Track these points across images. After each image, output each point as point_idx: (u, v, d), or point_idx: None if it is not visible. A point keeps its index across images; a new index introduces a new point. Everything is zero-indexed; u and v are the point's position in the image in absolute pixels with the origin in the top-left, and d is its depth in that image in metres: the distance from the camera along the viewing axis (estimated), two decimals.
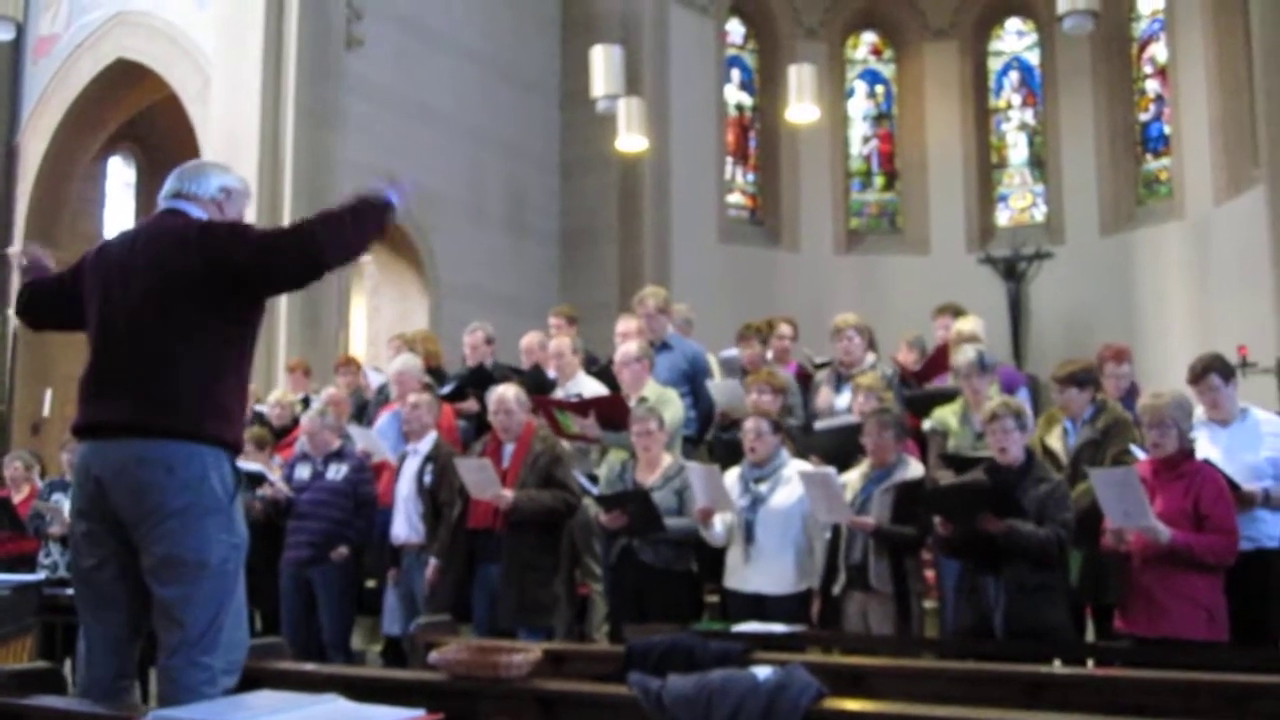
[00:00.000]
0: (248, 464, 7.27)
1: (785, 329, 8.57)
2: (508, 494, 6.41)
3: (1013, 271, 17.73)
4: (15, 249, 14.18)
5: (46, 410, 13.49)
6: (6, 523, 8.76)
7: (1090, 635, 6.25)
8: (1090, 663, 5.57)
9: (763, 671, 3.25)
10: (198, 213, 3.73)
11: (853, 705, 3.25)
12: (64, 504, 7.89)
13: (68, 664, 6.56)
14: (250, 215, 11.20)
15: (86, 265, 3.75)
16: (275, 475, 7.56)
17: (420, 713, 2.86)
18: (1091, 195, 17.70)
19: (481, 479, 6.45)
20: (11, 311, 3.94)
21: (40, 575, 6.76)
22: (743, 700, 3.14)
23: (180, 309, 3.51)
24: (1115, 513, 5.19)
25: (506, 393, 6.82)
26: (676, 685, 3.27)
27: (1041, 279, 17.72)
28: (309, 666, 4.30)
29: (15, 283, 13.92)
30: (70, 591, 6.38)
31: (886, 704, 3.36)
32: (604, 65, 12.53)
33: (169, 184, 3.80)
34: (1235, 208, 15.28)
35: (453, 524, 6.76)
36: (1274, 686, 3.66)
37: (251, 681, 3.55)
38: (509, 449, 6.74)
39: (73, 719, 3.12)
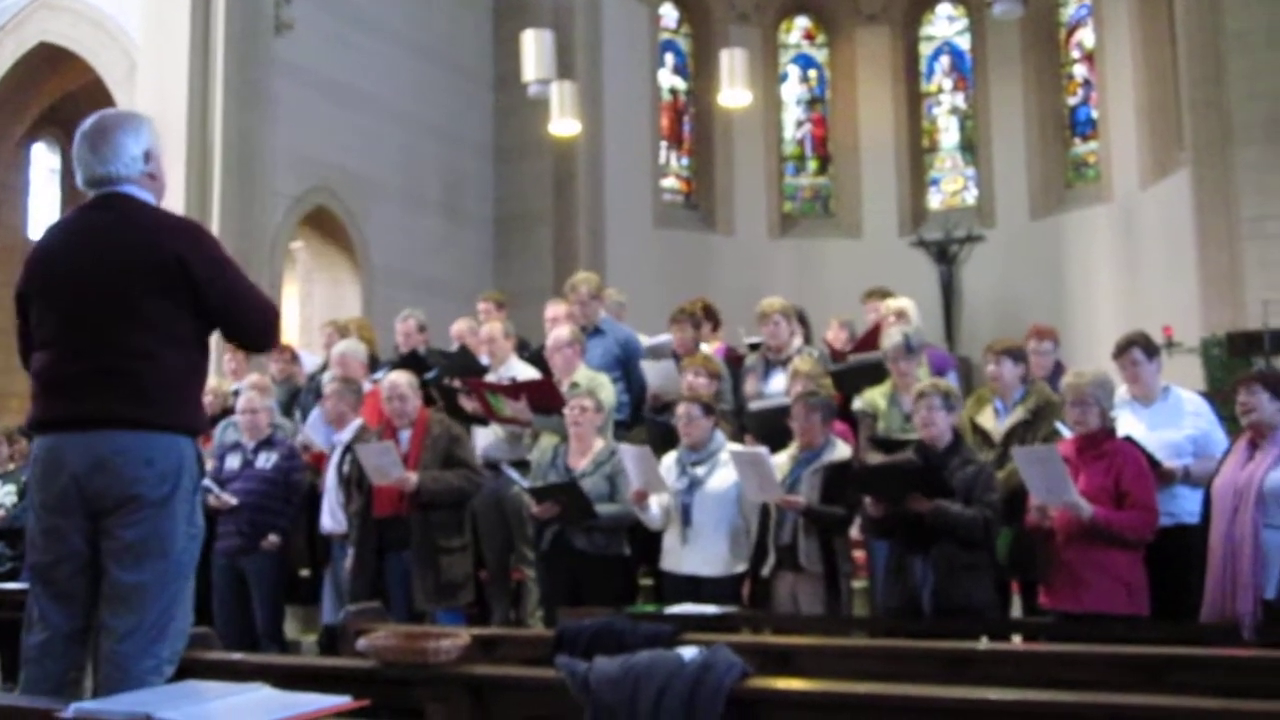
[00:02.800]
0: None
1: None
2: (412, 476, 6.40)
3: (944, 254, 17.92)
4: None
5: None
6: None
7: (1017, 611, 6.37)
8: (1017, 639, 5.68)
9: (688, 652, 3.28)
10: (142, 195, 3.65)
11: (777, 684, 3.29)
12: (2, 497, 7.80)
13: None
14: (178, 204, 11.13)
15: (32, 270, 3.66)
16: (210, 477, 7.44)
17: (345, 699, 2.87)
18: (1021, 179, 17.92)
19: (384, 463, 6.42)
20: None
21: None
22: (668, 680, 3.17)
23: (150, 303, 3.50)
24: (1039, 489, 5.30)
25: (399, 379, 6.81)
26: (603, 667, 3.29)
27: (973, 262, 17.92)
28: (238, 656, 4.29)
29: None
30: (13, 586, 6.31)
31: (809, 682, 3.41)
32: (535, 50, 12.46)
33: (87, 165, 3.65)
34: (1161, 191, 15.52)
35: (359, 513, 6.72)
36: (1188, 658, 3.76)
37: (181, 672, 3.53)
38: (405, 435, 6.73)
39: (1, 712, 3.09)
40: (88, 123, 3.69)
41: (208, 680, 3.27)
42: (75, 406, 3.48)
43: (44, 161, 17.11)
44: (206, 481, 7.16)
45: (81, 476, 3.44)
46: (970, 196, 18.78)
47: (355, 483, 6.71)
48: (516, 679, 3.54)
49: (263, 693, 2.95)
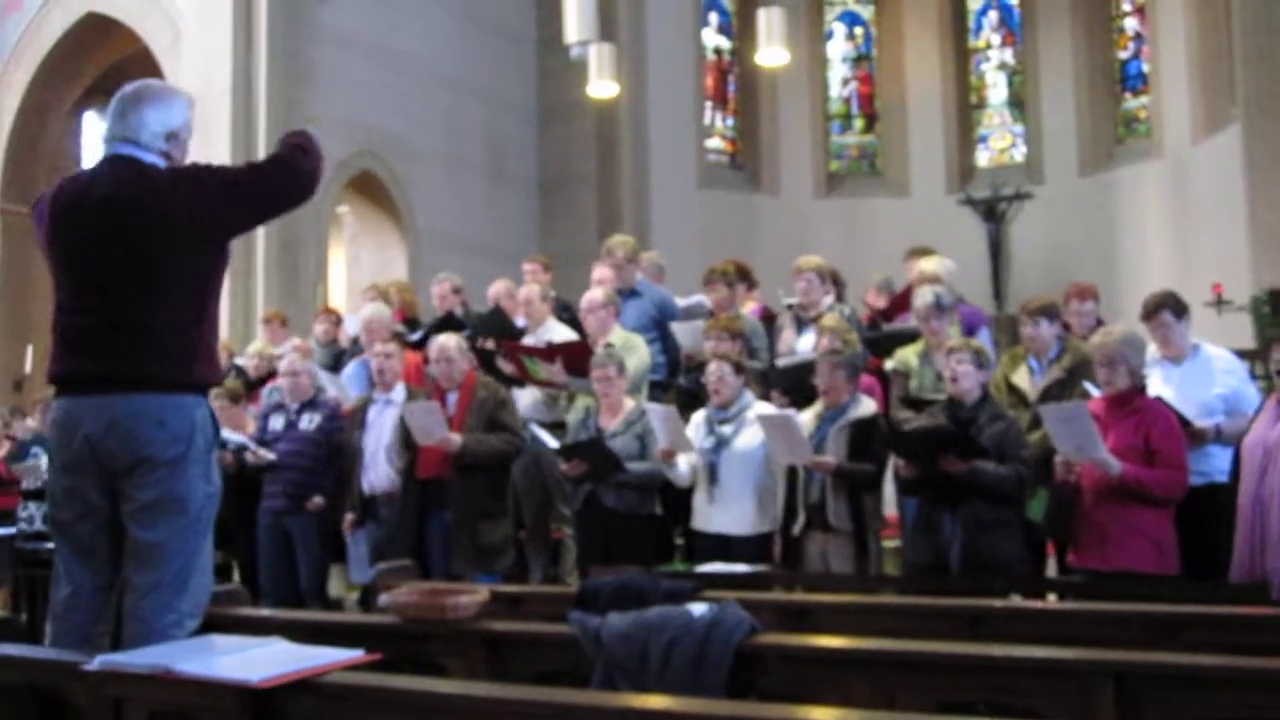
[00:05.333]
0: (232, 435, 7.33)
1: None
2: (455, 437, 6.48)
3: (992, 212, 17.78)
4: None
5: (28, 367, 13.53)
6: None
7: (1053, 571, 6.36)
8: (1052, 597, 5.67)
9: (698, 608, 3.33)
10: (151, 160, 3.73)
11: (784, 639, 3.33)
12: (42, 459, 7.95)
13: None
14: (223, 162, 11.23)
15: (45, 229, 3.74)
16: (250, 434, 7.59)
17: (358, 653, 2.94)
18: (1070, 135, 17.71)
19: (428, 422, 6.51)
20: None
21: (14, 530, 6.82)
22: (677, 636, 3.22)
23: (158, 261, 3.56)
24: (1067, 446, 5.28)
25: (447, 341, 6.87)
26: (614, 623, 3.35)
27: (1021, 219, 17.78)
28: (266, 612, 4.39)
29: None
30: (47, 545, 6.50)
31: (817, 637, 3.45)
32: (577, 10, 12.42)
33: (110, 122, 3.75)
34: (1213, 146, 15.29)
35: (403, 474, 6.81)
36: (1204, 616, 3.75)
37: (207, 626, 3.63)
38: (452, 397, 6.80)
39: (22, 664, 3.20)
40: (129, 87, 3.80)
41: (231, 635, 3.37)
42: (86, 364, 3.57)
43: (96, 129, 17.33)
44: (244, 439, 7.30)
45: (95, 439, 3.53)
46: (1019, 153, 18.59)
47: (404, 441, 6.79)
48: (532, 634, 3.60)
49: (278, 646, 3.04)
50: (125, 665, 2.91)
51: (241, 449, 7.31)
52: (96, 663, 2.96)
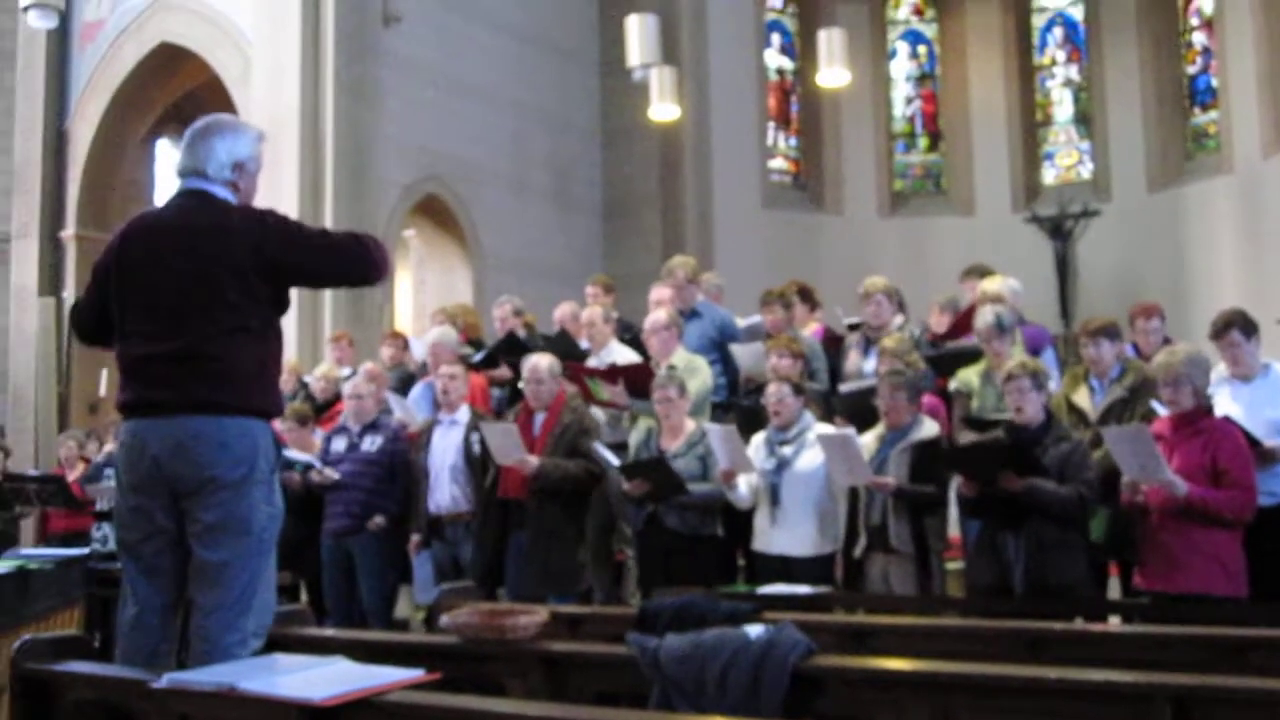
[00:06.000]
0: (298, 455, 7.45)
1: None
2: (532, 459, 6.54)
3: (1059, 230, 17.61)
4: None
5: (103, 390, 13.79)
6: (61, 500, 9.04)
7: (1116, 593, 6.29)
8: (1115, 620, 5.61)
9: (755, 630, 3.34)
10: (221, 194, 3.83)
11: (841, 661, 3.34)
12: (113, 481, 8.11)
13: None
14: (292, 196, 11.46)
15: (112, 258, 3.85)
16: (316, 456, 7.70)
17: (418, 672, 2.99)
18: (1138, 151, 17.49)
19: (506, 443, 6.58)
20: (68, 313, 4.09)
21: (87, 550, 6.97)
22: (734, 657, 3.24)
23: (225, 293, 3.67)
24: (1131, 468, 5.23)
25: (540, 362, 6.93)
26: (671, 644, 3.37)
27: (1089, 237, 17.58)
28: (327, 631, 4.46)
29: (71, 267, 14.31)
30: (119, 566, 6.63)
31: (873, 659, 3.45)
32: (639, 34, 12.57)
33: (181, 157, 3.88)
34: None
35: (485, 493, 6.89)
36: (1270, 639, 3.70)
37: (271, 646, 3.71)
38: (539, 418, 6.86)
39: (95, 681, 3.28)
40: (200, 121, 3.93)
41: (294, 654, 3.43)
42: (155, 391, 3.67)
43: (168, 157, 17.65)
44: (310, 458, 7.41)
45: (162, 460, 3.63)
46: (1085, 170, 18.40)
47: (477, 463, 6.87)
48: (590, 655, 3.63)
49: (341, 666, 3.09)
50: (191, 683, 2.98)
51: (307, 468, 7.43)
52: (164, 681, 3.03)
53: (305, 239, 3.80)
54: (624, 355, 7.64)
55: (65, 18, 13.54)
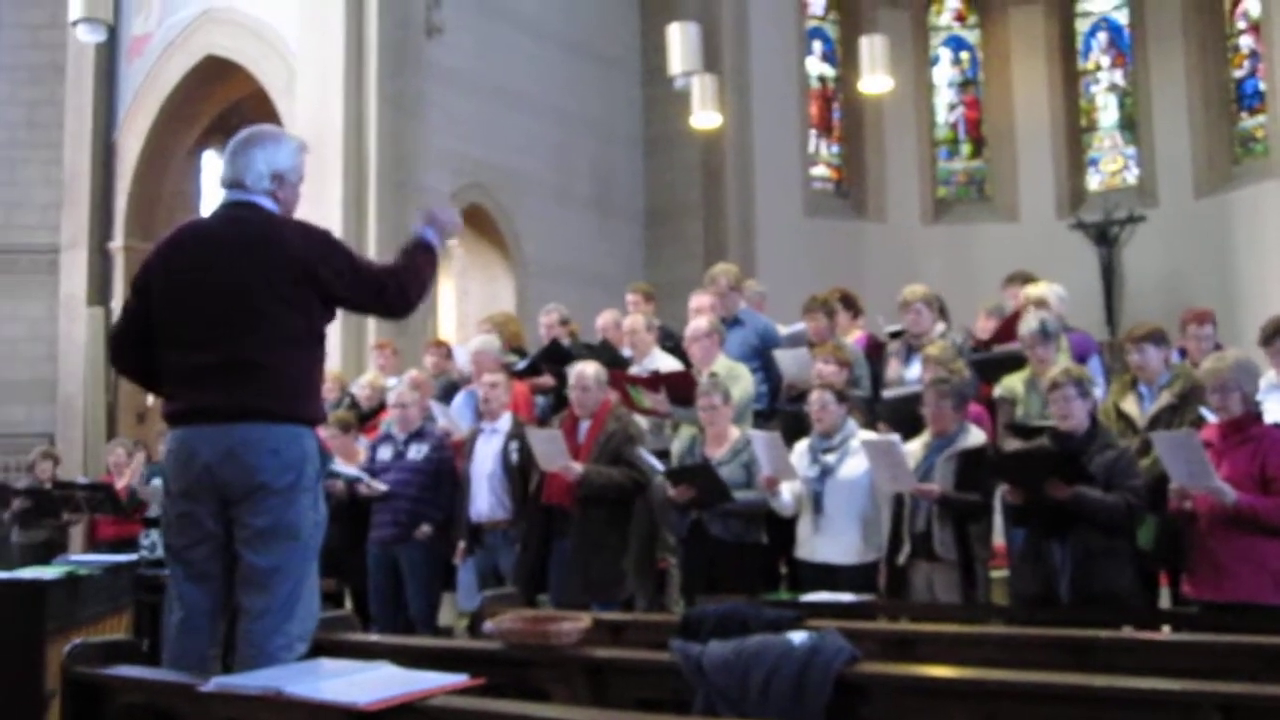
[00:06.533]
0: (345, 468, 7.50)
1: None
2: (576, 466, 6.56)
3: (1105, 237, 17.45)
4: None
5: (150, 399, 13.92)
6: (109, 508, 9.14)
7: (1166, 602, 6.23)
8: (1166, 629, 5.55)
9: (798, 636, 3.33)
10: (265, 204, 3.88)
11: (885, 668, 3.32)
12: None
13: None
14: (336, 206, 11.51)
15: (156, 270, 3.90)
16: (360, 464, 7.75)
17: (462, 678, 3.00)
18: (1185, 156, 17.30)
19: (550, 450, 6.60)
20: (109, 335, 4.13)
21: (136, 556, 7.05)
22: (777, 664, 3.23)
23: (269, 303, 3.72)
24: (1179, 474, 5.18)
25: (586, 370, 6.95)
26: (715, 651, 3.36)
27: (1135, 243, 17.41)
28: (371, 637, 4.49)
29: (119, 277, 14.48)
30: (168, 572, 6.70)
31: (918, 666, 3.43)
32: (681, 42, 12.62)
33: (224, 169, 3.94)
34: None
35: (529, 499, 6.91)
36: None
37: (316, 651, 3.74)
38: (584, 426, 6.88)
39: (143, 686, 3.32)
40: (241, 133, 3.98)
41: (339, 659, 3.45)
42: (204, 399, 3.71)
43: (214, 168, 17.82)
44: (358, 472, 7.46)
45: (213, 466, 3.67)
46: (1131, 176, 18.22)
47: (534, 465, 6.87)
48: (633, 661, 3.62)
49: (386, 670, 3.11)
50: (238, 687, 3.01)
51: (356, 481, 7.47)
52: (211, 685, 3.06)
53: (342, 262, 3.85)
54: (666, 363, 7.65)
55: (114, 32, 13.70)
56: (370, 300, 3.93)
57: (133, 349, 3.98)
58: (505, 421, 7.34)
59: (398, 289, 3.90)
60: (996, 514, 6.17)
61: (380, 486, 7.46)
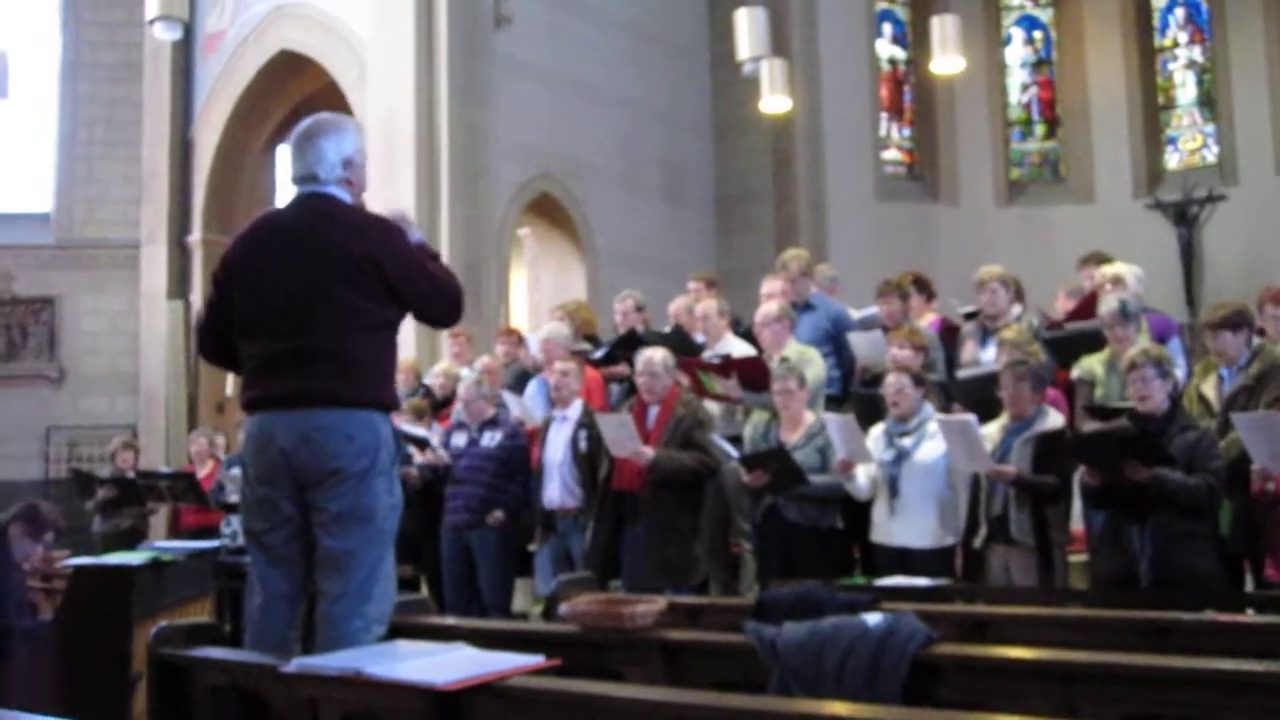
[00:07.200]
0: (413, 428, 7.59)
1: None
2: (647, 450, 6.57)
3: (1184, 216, 17.12)
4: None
5: (229, 390, 14.16)
6: (192, 496, 9.31)
7: (1250, 587, 6.11)
8: (1251, 612, 5.45)
9: (873, 618, 3.32)
10: (340, 195, 3.94)
11: (961, 649, 3.30)
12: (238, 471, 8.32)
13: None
14: (409, 198, 11.59)
15: (236, 261, 3.98)
16: (435, 441, 7.86)
17: (539, 659, 3.03)
18: (1266, 133, 16.91)
19: (621, 434, 6.62)
20: (195, 327, 4.25)
21: (217, 543, 7.18)
22: (853, 645, 3.22)
23: (343, 293, 3.78)
24: (1261, 455, 5.10)
25: (654, 355, 6.97)
26: (790, 632, 3.36)
27: (1215, 222, 17.07)
28: (448, 620, 4.53)
29: (198, 271, 14.75)
30: (248, 559, 6.83)
31: (995, 647, 3.40)
32: (748, 28, 12.57)
33: (293, 164, 4.00)
34: None
35: (599, 485, 6.94)
36: None
37: (394, 633, 3.79)
38: (653, 411, 6.89)
39: (227, 667, 3.39)
40: (301, 126, 4.02)
41: (416, 641, 3.50)
42: (280, 386, 3.78)
43: (287, 162, 17.99)
44: (425, 433, 7.55)
45: (289, 451, 3.73)
46: (1210, 154, 17.86)
47: (604, 451, 6.90)
48: (708, 644, 3.63)
49: (463, 652, 3.15)
50: (319, 668, 3.06)
51: (424, 444, 7.57)
52: (293, 666, 3.12)
53: (414, 263, 3.91)
54: (740, 348, 7.64)
55: (189, 29, 13.95)
56: (426, 301, 3.98)
57: (216, 338, 4.08)
58: (576, 409, 7.38)
59: (451, 299, 4.01)
60: (1075, 498, 6.09)
61: (444, 456, 7.55)
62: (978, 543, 5.94)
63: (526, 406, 8.10)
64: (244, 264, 3.94)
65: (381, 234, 3.88)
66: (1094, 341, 6.66)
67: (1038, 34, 19.01)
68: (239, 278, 3.93)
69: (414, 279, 3.89)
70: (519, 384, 8.92)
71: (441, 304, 4.01)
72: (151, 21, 12.05)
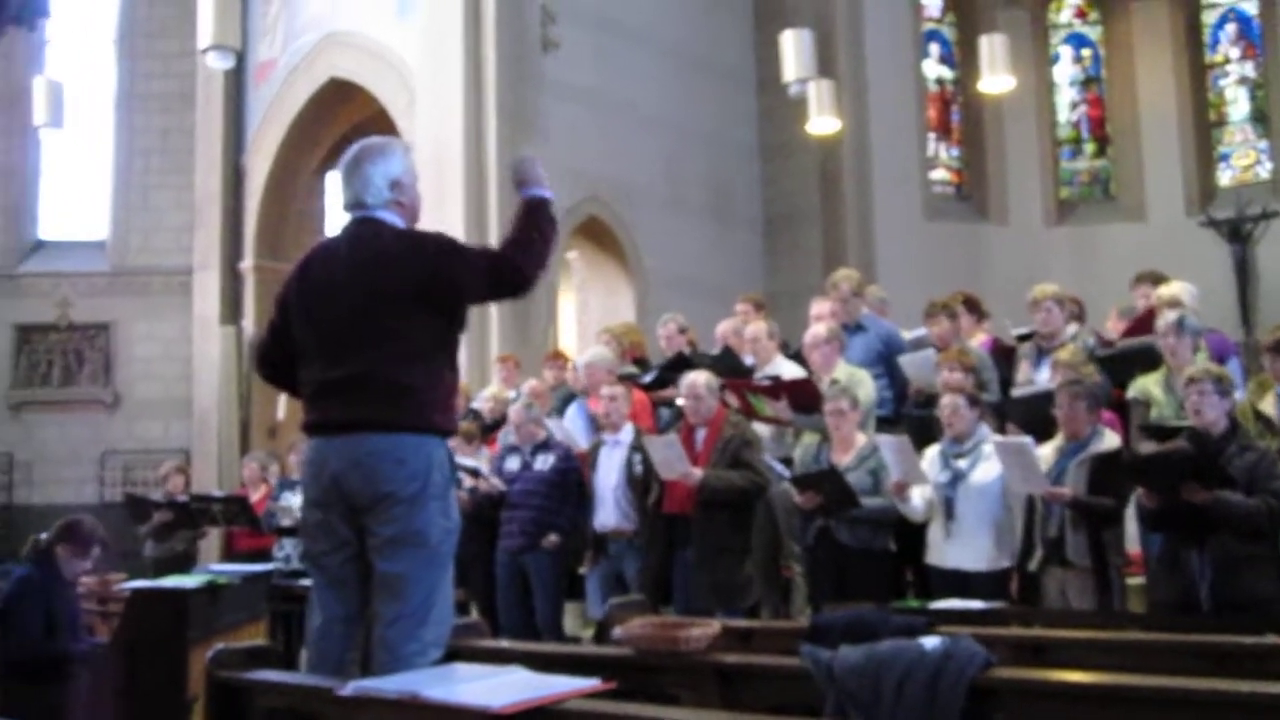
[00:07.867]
0: (465, 459, 7.62)
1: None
2: (696, 471, 6.56)
3: (1238, 233, 16.90)
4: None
5: (281, 414, 14.29)
6: (244, 520, 9.38)
7: None
8: None
9: (930, 642, 3.29)
10: (390, 219, 3.96)
11: (1020, 674, 3.27)
12: (294, 501, 8.41)
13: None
14: (458, 223, 11.68)
15: (292, 288, 4.03)
16: (486, 469, 7.88)
17: (594, 682, 3.02)
18: None
19: (669, 455, 6.61)
20: (251, 351, 4.30)
21: (271, 567, 7.24)
22: (910, 669, 3.20)
23: (394, 320, 3.80)
24: None
25: (698, 378, 6.96)
26: (846, 656, 3.34)
27: (1270, 240, 16.85)
28: (505, 644, 4.54)
29: (250, 296, 14.91)
30: (301, 582, 6.87)
31: (1053, 672, 3.36)
32: (794, 49, 12.59)
33: (343, 191, 4.03)
34: None
35: (649, 509, 6.93)
36: None
37: (450, 656, 3.79)
38: (701, 434, 6.88)
39: (284, 690, 3.40)
40: (348, 153, 4.05)
41: (472, 664, 3.50)
42: (335, 411, 3.81)
43: (338, 189, 18.15)
44: (477, 464, 7.57)
45: (340, 476, 3.76)
46: (1265, 170, 17.66)
47: (654, 475, 6.90)
48: (763, 667, 3.62)
49: (518, 675, 3.14)
50: (376, 691, 3.06)
51: (475, 474, 7.59)
52: (349, 688, 3.12)
53: (467, 262, 3.89)
54: (789, 370, 7.61)
55: (241, 59, 14.13)
56: (490, 287, 3.93)
57: (276, 363, 4.13)
58: (628, 433, 7.37)
59: (513, 270, 3.87)
60: (1131, 520, 6.02)
61: (498, 484, 7.57)
62: (1033, 565, 5.88)
63: (569, 431, 8.11)
64: (298, 291, 3.99)
65: (434, 247, 3.88)
66: (1148, 358, 6.59)
67: (1086, 51, 18.90)
68: (295, 306, 3.98)
69: (484, 281, 3.87)
70: (566, 408, 8.94)
71: (509, 283, 3.91)
72: (204, 51, 12.24)
